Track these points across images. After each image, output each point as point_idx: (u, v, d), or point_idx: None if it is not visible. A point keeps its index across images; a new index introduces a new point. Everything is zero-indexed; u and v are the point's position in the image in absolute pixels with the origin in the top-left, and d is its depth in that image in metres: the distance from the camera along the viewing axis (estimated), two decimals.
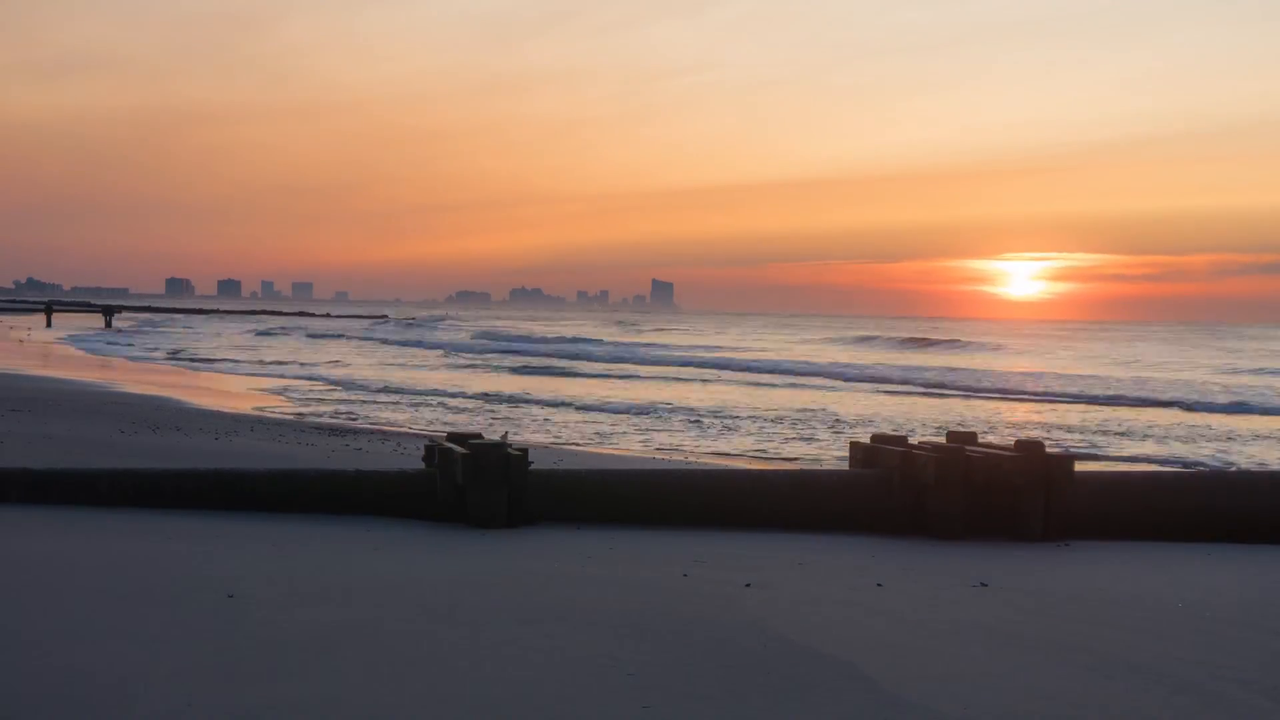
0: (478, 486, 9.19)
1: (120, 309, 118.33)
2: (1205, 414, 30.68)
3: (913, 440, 10.30)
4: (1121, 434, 24.85)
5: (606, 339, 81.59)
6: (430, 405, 28.44)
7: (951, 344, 77.71)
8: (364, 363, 49.12)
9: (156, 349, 56.69)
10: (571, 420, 25.31)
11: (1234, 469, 18.68)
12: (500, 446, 9.30)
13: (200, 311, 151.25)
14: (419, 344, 71.07)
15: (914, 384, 40.81)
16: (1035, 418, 29.30)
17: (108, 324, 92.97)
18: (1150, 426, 26.57)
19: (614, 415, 26.58)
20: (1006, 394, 37.25)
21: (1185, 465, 19.35)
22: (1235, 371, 52.17)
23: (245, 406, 25.56)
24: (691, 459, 18.64)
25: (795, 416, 26.81)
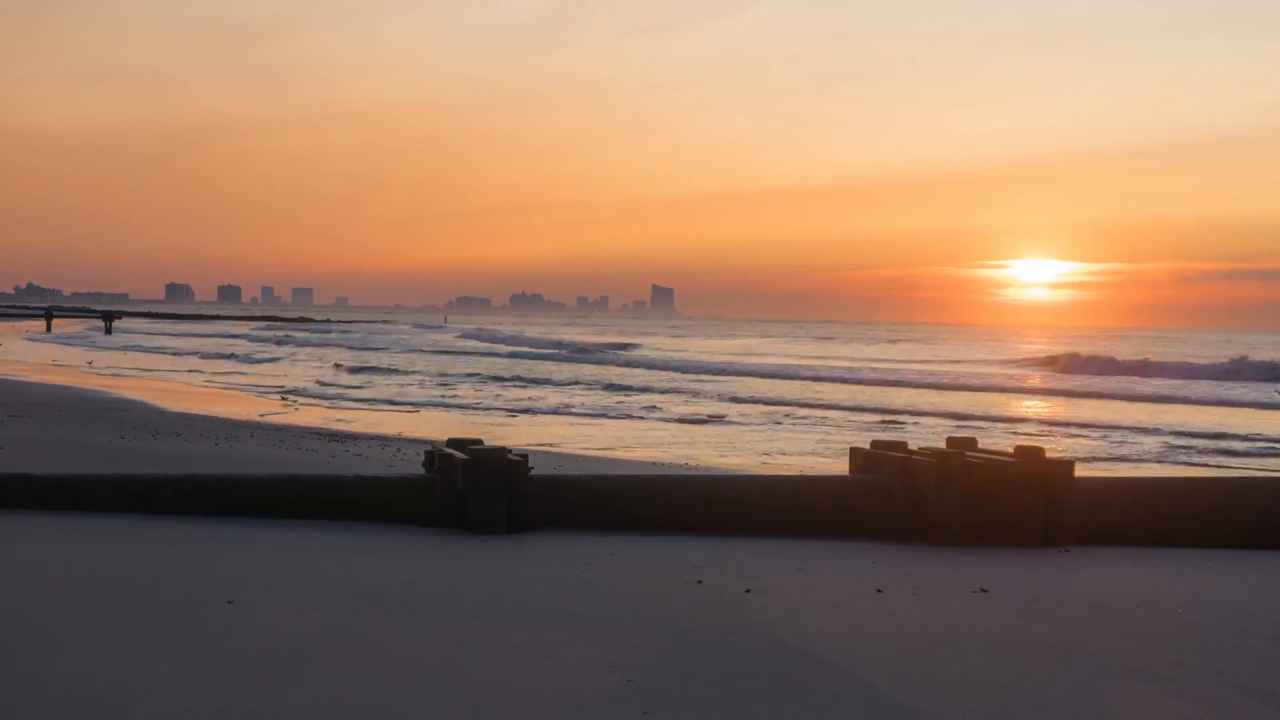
0: (478, 492, 9.19)
1: (120, 314, 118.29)
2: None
3: (912, 446, 10.29)
4: None
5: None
6: None
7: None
8: None
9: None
10: None
11: (1236, 476, 18.67)
12: (500, 452, 9.30)
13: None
14: None
15: None
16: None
17: (108, 330, 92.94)
18: None
19: None
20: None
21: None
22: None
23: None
24: (692, 465, 18.63)
25: None
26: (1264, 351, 73.50)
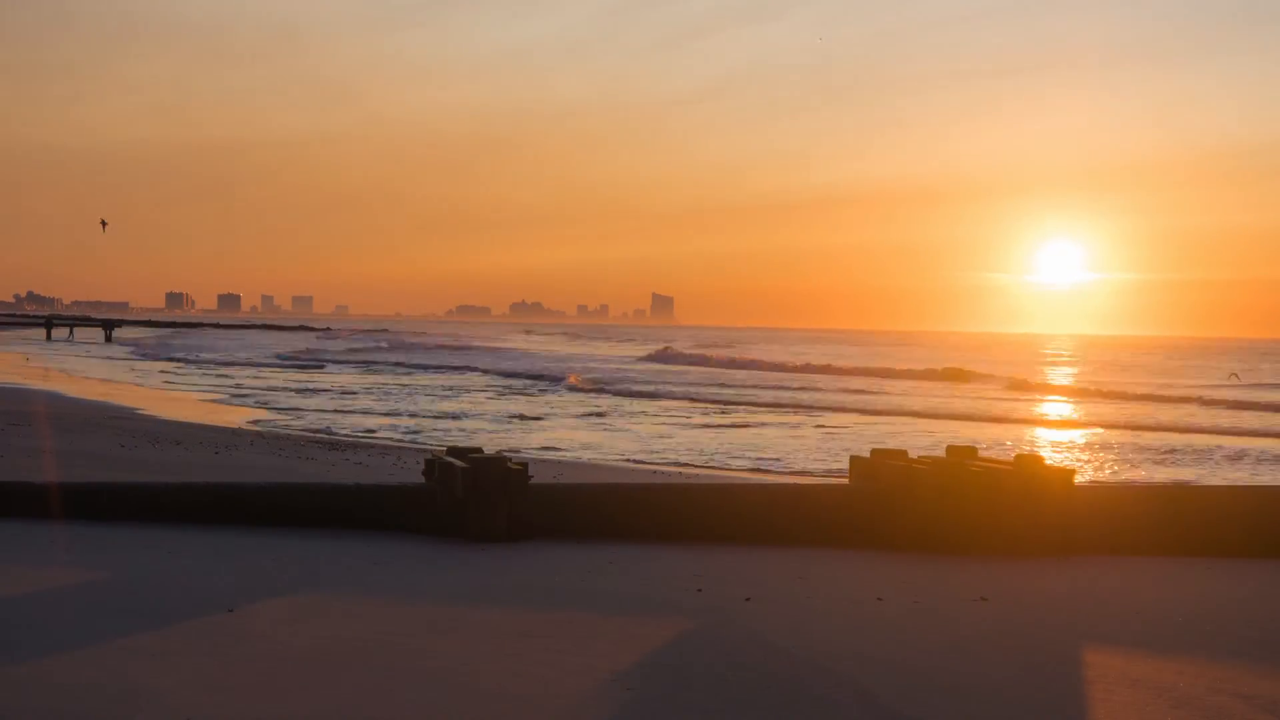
0: (477, 500, 9.19)
1: (120, 323, 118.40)
2: None
3: (912, 455, 10.29)
4: None
5: None
6: None
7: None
8: None
9: None
10: None
11: (1235, 484, 18.68)
12: (500, 461, 9.31)
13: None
14: None
15: None
16: None
17: (108, 338, 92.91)
18: None
19: None
20: None
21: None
22: None
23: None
24: (691, 474, 18.63)
25: None
26: None
